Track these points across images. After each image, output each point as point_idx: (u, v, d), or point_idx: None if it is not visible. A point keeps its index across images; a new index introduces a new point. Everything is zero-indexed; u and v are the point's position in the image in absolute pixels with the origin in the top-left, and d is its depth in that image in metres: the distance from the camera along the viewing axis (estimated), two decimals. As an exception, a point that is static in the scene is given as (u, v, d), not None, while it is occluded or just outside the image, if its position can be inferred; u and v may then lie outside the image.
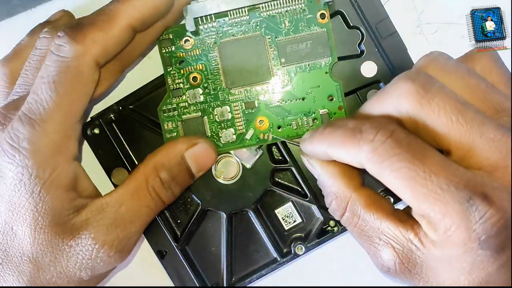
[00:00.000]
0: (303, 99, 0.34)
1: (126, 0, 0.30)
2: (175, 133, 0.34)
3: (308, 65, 0.34)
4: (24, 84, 0.32)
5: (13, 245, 0.30)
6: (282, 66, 0.34)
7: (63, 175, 0.30)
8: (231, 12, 0.33)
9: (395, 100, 0.26)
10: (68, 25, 0.30)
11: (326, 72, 0.34)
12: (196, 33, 0.33)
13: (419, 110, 0.25)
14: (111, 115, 0.35)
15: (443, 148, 0.26)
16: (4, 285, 0.30)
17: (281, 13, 0.33)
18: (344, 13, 0.34)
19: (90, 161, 0.36)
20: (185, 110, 0.34)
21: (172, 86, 0.34)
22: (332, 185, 0.28)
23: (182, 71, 0.34)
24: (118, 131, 0.35)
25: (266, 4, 0.33)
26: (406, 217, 0.26)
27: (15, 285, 0.30)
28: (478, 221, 0.23)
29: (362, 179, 0.29)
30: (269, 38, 0.33)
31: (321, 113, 0.34)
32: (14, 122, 0.29)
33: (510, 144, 0.24)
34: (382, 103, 0.27)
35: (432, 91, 0.25)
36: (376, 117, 0.27)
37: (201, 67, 0.34)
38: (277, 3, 0.33)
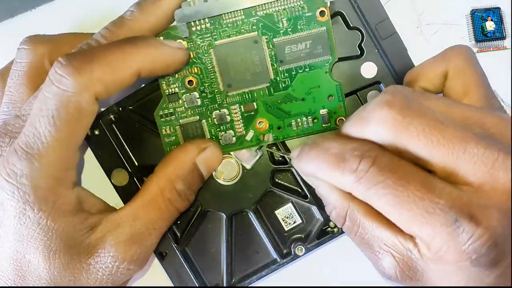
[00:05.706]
0: (302, 99, 0.34)
1: (143, 46, 0.29)
2: (174, 137, 0.34)
3: (308, 65, 0.33)
4: (10, 102, 0.31)
5: (29, 270, 0.29)
6: (281, 67, 0.33)
7: (66, 203, 0.29)
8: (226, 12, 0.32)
9: (374, 128, 0.26)
10: (73, 52, 0.28)
11: (326, 72, 0.33)
12: (189, 36, 0.32)
13: (399, 137, 0.25)
14: (111, 116, 0.35)
15: (428, 169, 0.25)
16: None
17: (278, 11, 0.32)
18: (344, 13, 0.34)
19: (90, 162, 0.36)
20: (182, 115, 0.34)
21: (167, 91, 0.33)
22: (330, 196, 0.28)
23: (176, 75, 0.33)
24: (118, 132, 0.35)
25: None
26: None
27: None
28: (467, 242, 0.23)
29: None
30: (266, 39, 0.33)
31: (321, 113, 0.34)
32: (9, 156, 0.28)
33: (495, 156, 0.24)
34: (361, 130, 0.27)
35: (409, 115, 0.25)
36: (358, 141, 0.26)
37: (196, 71, 0.33)
38: (274, 1, 0.32)
